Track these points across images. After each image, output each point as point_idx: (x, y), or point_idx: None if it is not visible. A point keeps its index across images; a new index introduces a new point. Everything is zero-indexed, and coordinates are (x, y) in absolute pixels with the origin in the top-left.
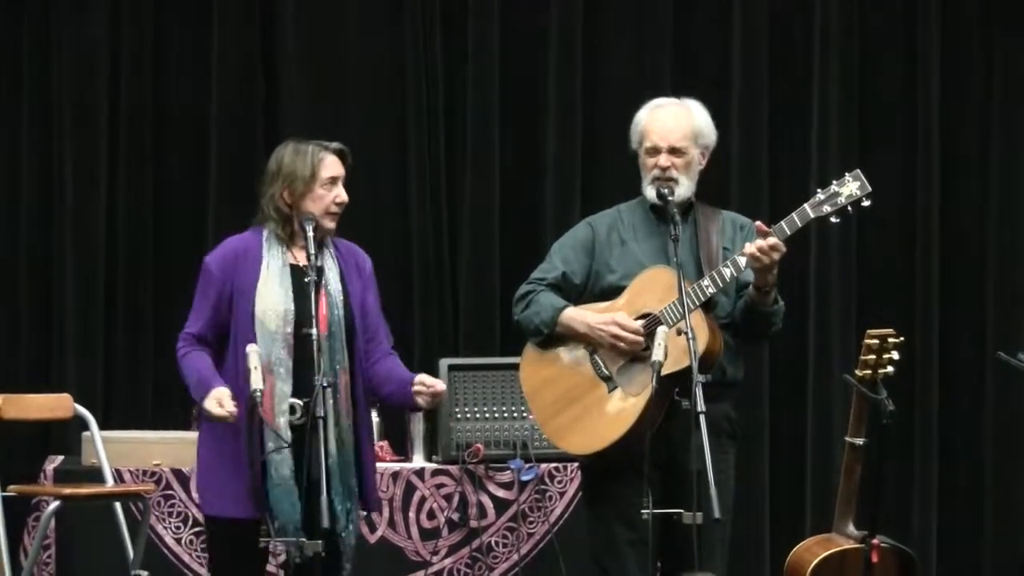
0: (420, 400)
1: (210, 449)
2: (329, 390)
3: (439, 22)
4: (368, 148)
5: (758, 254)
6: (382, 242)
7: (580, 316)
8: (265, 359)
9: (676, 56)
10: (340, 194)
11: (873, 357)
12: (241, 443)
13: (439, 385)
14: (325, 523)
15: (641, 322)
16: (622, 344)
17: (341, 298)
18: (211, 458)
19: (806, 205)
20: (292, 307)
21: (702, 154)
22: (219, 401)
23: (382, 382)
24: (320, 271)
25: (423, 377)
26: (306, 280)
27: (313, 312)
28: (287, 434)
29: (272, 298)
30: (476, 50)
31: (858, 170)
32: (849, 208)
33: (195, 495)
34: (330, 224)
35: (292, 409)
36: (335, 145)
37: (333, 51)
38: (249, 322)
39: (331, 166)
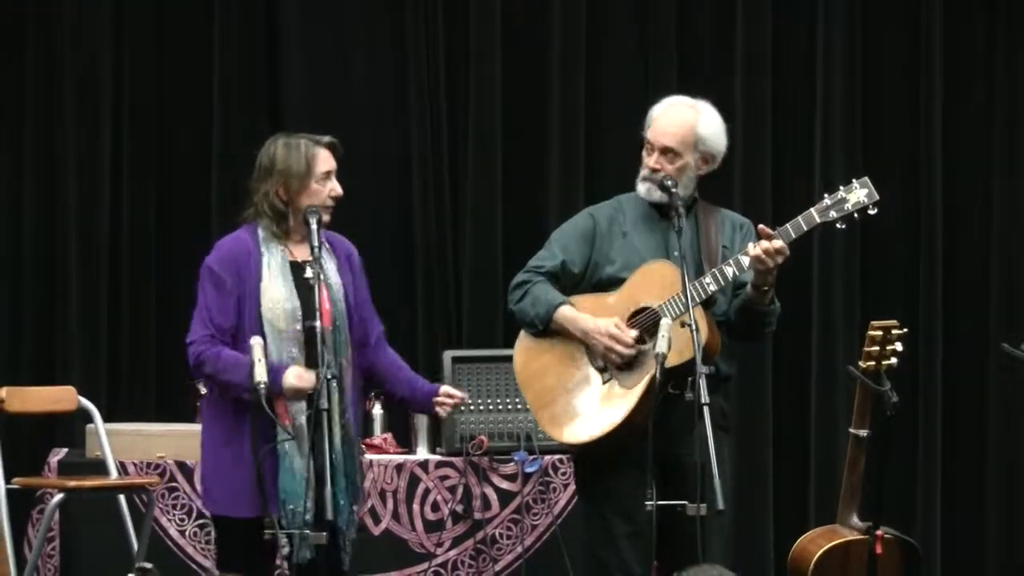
0: (442, 411)
1: (214, 449)
2: (334, 382)
3: (442, 20)
4: (372, 142)
5: (763, 256)
6: (385, 234)
7: (575, 319)
8: (276, 357)
9: (680, 57)
10: (335, 187)
11: (877, 348)
12: (245, 441)
13: (461, 395)
14: (329, 515)
15: (635, 332)
16: (614, 356)
17: (341, 291)
18: (215, 458)
19: (812, 210)
20: (298, 303)
21: (703, 159)
22: (298, 376)
23: (388, 378)
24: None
25: (449, 389)
26: (308, 275)
27: (316, 306)
28: (306, 429)
29: (278, 297)
30: (479, 47)
31: (866, 177)
32: (856, 215)
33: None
34: (326, 217)
35: (309, 402)
36: (326, 138)
37: (337, 47)
38: (257, 322)
39: (325, 160)
